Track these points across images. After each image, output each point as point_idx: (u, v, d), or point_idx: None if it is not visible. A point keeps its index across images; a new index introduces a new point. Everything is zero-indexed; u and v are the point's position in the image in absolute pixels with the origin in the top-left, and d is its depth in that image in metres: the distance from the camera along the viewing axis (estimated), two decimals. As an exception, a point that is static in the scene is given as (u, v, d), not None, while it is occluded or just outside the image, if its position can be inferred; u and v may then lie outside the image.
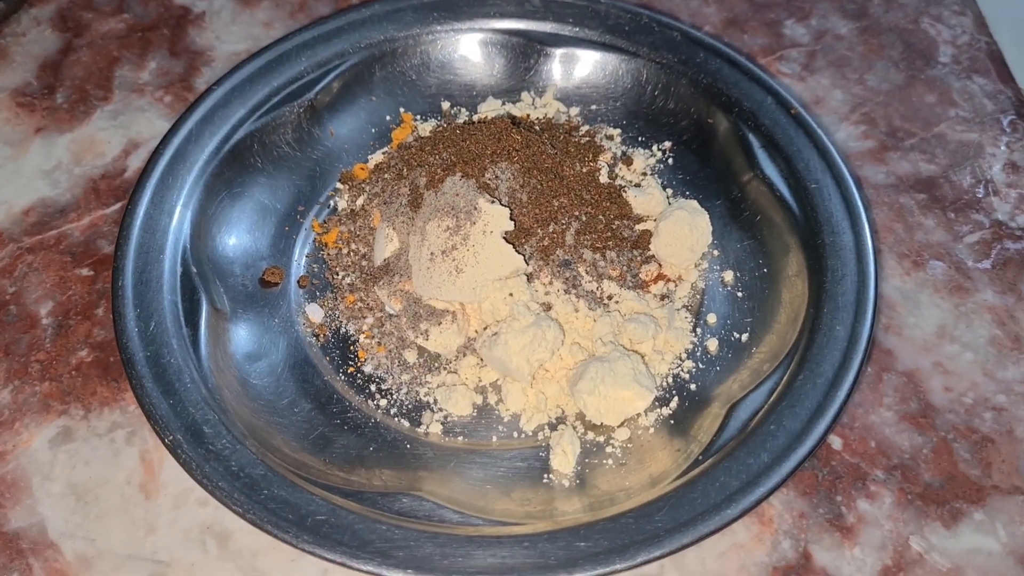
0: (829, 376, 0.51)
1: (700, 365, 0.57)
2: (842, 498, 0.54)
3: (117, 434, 0.55)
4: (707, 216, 0.60)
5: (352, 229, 0.62)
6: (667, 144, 0.67)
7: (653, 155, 0.66)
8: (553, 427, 0.55)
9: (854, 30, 0.76)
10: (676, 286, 0.60)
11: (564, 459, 0.52)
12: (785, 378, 0.52)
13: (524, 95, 0.69)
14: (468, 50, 0.69)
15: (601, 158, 0.64)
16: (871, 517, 0.53)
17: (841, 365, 0.52)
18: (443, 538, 0.46)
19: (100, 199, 0.66)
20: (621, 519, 0.47)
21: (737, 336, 0.58)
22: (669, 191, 0.65)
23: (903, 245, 0.64)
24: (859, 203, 0.58)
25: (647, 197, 0.62)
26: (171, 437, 0.49)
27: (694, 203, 0.61)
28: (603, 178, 0.63)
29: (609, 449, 0.54)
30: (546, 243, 0.57)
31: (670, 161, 0.66)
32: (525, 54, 0.69)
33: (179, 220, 0.58)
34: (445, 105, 0.69)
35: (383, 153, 0.66)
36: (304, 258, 0.62)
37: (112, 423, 0.56)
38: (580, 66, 0.69)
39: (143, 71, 0.74)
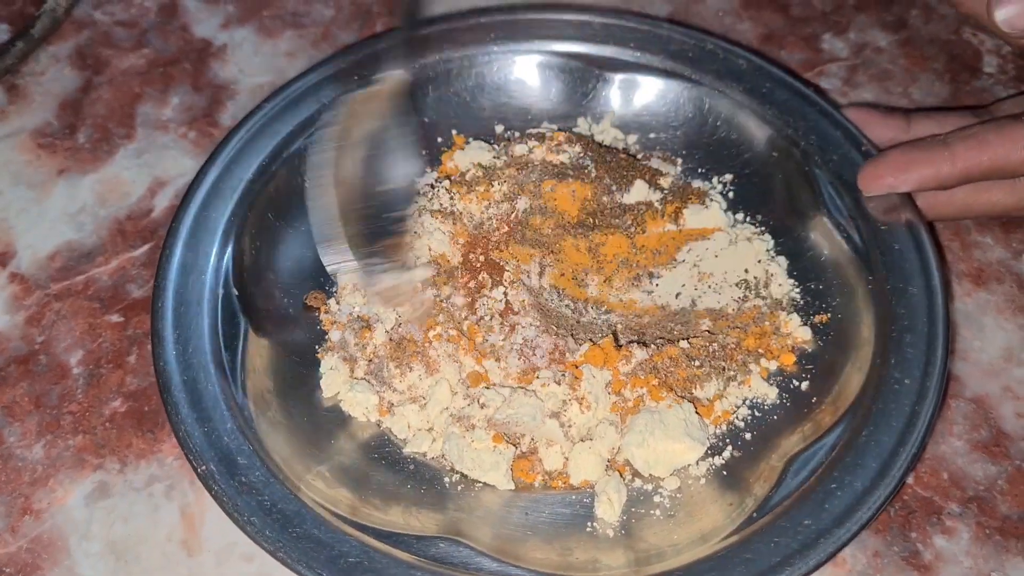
0: (895, 434, 0.48)
1: (756, 413, 0.54)
2: (917, 534, 0.51)
3: (155, 488, 0.53)
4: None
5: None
6: (728, 177, 0.64)
7: (713, 187, 0.64)
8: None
9: (894, 42, 0.74)
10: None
11: (609, 507, 0.49)
12: (849, 433, 0.49)
13: (580, 121, 0.67)
14: (524, 73, 0.67)
15: (662, 180, 0.62)
16: (949, 554, 0.50)
17: (908, 424, 0.49)
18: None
19: (127, 241, 0.64)
20: None
21: (796, 384, 0.55)
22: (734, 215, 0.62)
23: (961, 264, 0.61)
24: (932, 253, 0.55)
25: (706, 212, 0.60)
26: (204, 467, 0.47)
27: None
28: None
29: (657, 499, 0.51)
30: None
31: (731, 195, 0.63)
32: (583, 78, 0.67)
33: (221, 241, 0.56)
34: (499, 128, 0.67)
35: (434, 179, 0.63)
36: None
37: (150, 476, 0.53)
38: (640, 92, 0.66)
39: (166, 107, 0.72)
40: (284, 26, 0.77)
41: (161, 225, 0.64)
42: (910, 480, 0.53)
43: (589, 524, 0.50)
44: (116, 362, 0.58)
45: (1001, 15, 0.54)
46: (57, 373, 0.57)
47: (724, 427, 0.53)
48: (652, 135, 0.66)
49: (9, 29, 0.76)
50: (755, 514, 0.48)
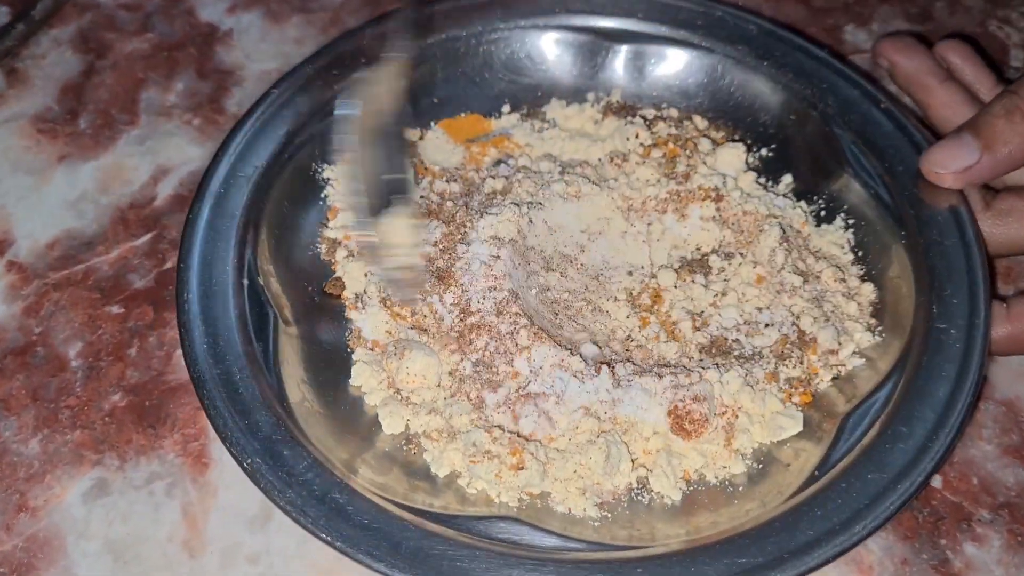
0: (950, 382, 0.48)
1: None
2: (947, 541, 0.49)
3: (156, 486, 0.51)
4: None
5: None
6: (747, 142, 0.63)
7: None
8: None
9: (919, 35, 0.72)
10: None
11: (665, 480, 0.48)
12: (901, 386, 0.49)
13: (590, 96, 0.66)
14: (532, 49, 0.66)
15: (700, 147, 0.61)
16: (980, 562, 0.49)
17: (959, 375, 0.48)
18: (549, 566, 0.43)
19: (129, 230, 0.62)
20: (738, 540, 0.44)
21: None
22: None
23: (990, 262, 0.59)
24: (962, 205, 0.54)
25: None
26: (249, 461, 0.45)
27: None
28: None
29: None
30: None
31: (750, 160, 0.62)
32: (592, 52, 0.65)
33: (241, 229, 0.54)
34: (505, 109, 0.65)
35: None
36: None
37: (150, 474, 0.52)
38: (650, 63, 0.65)
39: (170, 93, 0.70)
40: (292, 11, 0.75)
41: (164, 214, 0.62)
42: (939, 485, 0.51)
43: (647, 496, 0.49)
44: (116, 355, 0.56)
45: (927, 161, 0.55)
46: (55, 365, 0.56)
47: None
48: (664, 106, 0.65)
49: (9, 11, 0.74)
50: (816, 473, 0.47)
